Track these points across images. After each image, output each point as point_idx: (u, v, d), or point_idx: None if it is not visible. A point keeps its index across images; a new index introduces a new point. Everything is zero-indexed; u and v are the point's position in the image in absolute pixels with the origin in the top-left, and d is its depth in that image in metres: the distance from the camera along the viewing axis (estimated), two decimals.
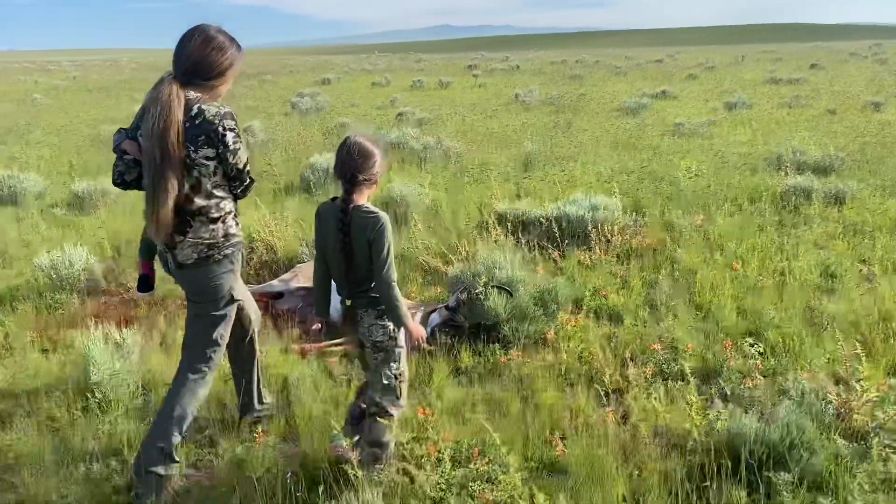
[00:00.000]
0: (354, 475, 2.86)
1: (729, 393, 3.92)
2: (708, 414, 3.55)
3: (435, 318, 4.78)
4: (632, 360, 4.36)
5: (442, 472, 3.08)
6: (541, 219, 6.52)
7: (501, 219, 6.82)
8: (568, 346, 4.54)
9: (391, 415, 3.20)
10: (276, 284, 5.33)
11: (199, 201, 2.99)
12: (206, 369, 3.25)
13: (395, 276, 3.00)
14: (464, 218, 7.09)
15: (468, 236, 6.49)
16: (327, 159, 8.79)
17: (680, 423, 3.56)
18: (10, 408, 3.88)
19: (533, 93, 21.02)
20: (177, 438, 3.16)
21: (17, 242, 6.68)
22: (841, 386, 3.82)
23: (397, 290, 3.02)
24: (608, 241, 6.43)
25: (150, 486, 3.06)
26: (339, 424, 3.06)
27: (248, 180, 3.13)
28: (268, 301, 5.34)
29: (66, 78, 39.23)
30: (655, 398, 3.74)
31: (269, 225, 6.38)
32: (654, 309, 5.17)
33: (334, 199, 3.04)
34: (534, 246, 6.23)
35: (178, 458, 3.20)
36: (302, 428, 3.59)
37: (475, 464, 3.22)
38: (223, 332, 3.25)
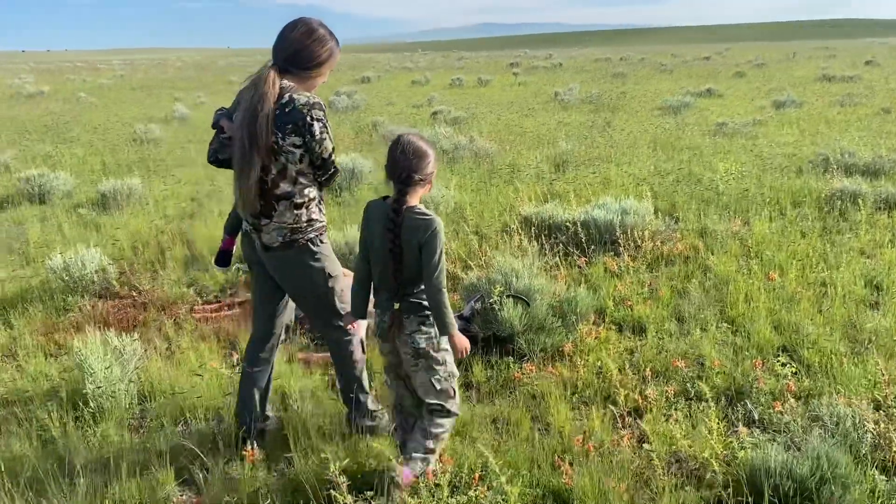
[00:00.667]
0: (343, 501, 2.68)
1: (756, 417, 3.63)
2: (730, 441, 3.27)
3: None
4: (653, 377, 4.10)
5: (438, 499, 2.88)
6: (567, 223, 6.26)
7: (527, 223, 6.59)
8: (586, 360, 4.28)
9: (454, 413, 3.20)
10: None
11: (285, 186, 3.08)
12: (349, 335, 3.45)
13: (444, 281, 2.90)
14: (488, 221, 6.87)
15: (491, 241, 6.27)
16: (353, 159, 8.66)
17: (700, 449, 3.29)
18: (5, 415, 3.79)
19: (573, 91, 20.65)
20: (364, 395, 3.52)
21: (39, 242, 6.68)
22: (882, 412, 3.50)
23: (446, 297, 2.91)
24: (638, 247, 6.14)
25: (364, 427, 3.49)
26: (327, 444, 2.88)
27: (332, 169, 3.19)
28: None
29: (112, 77, 40.09)
30: (675, 421, 3.48)
31: None
32: (681, 321, 4.88)
33: (385, 197, 2.97)
34: (559, 252, 5.98)
35: (373, 406, 3.56)
36: (295, 445, 3.41)
37: (475, 491, 3.00)
38: (342, 304, 3.34)
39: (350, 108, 18.38)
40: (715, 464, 3.06)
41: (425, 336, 2.99)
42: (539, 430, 3.68)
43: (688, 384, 3.98)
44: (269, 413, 3.66)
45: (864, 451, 3.19)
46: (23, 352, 4.49)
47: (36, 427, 3.62)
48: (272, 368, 3.60)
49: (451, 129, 12.26)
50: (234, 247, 3.68)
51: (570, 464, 3.30)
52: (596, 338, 4.55)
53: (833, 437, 3.27)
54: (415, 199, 2.90)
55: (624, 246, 6.09)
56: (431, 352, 3.02)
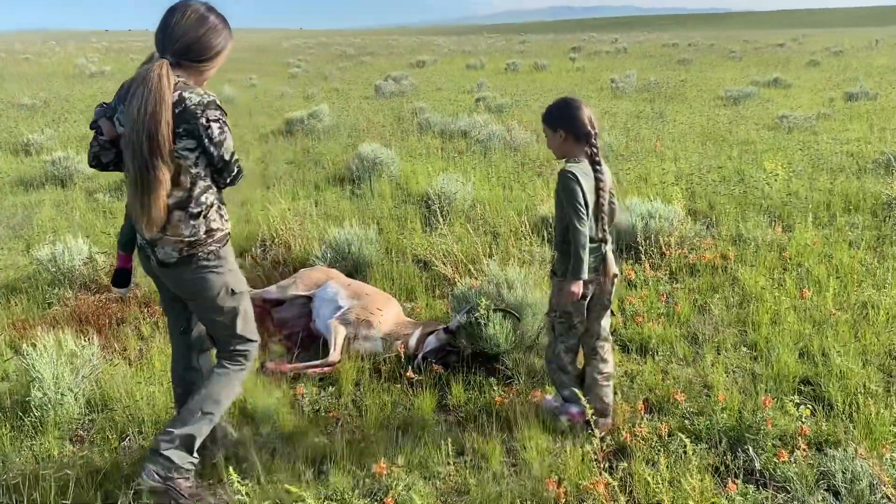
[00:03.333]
0: None
1: (758, 466, 3.15)
2: (717, 500, 2.82)
3: (431, 342, 4.20)
4: (648, 410, 3.66)
5: None
6: None
7: (545, 223, 6.15)
8: None
9: None
10: (273, 291, 4.89)
11: (178, 194, 2.74)
12: (243, 361, 3.06)
13: None
14: (502, 221, 6.44)
15: (502, 244, 5.86)
16: (374, 150, 8.33)
17: (687, 502, 2.85)
18: None
19: (630, 78, 19.82)
20: (203, 429, 2.95)
21: (44, 228, 6.58)
22: None
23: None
24: (662, 254, 5.64)
25: (157, 473, 2.83)
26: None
27: (236, 170, 2.83)
28: (266, 308, 4.93)
29: None
30: (665, 466, 3.04)
31: (287, 221, 5.96)
32: (696, 343, 4.39)
33: (570, 161, 3.25)
34: None
35: (196, 455, 2.95)
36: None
37: None
38: (245, 326, 3.01)
39: (397, 94, 18.05)
40: None
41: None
42: (512, 465, 3.31)
43: (686, 421, 3.52)
44: (233, 434, 3.36)
45: None
46: None
47: None
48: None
49: (489, 118, 11.81)
50: (133, 264, 3.26)
51: None
52: None
53: (842, 501, 2.79)
54: None
55: (646, 253, 5.61)
56: None
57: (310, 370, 4.07)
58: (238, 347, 3.03)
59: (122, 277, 3.29)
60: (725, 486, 2.92)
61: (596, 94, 18.03)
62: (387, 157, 8.15)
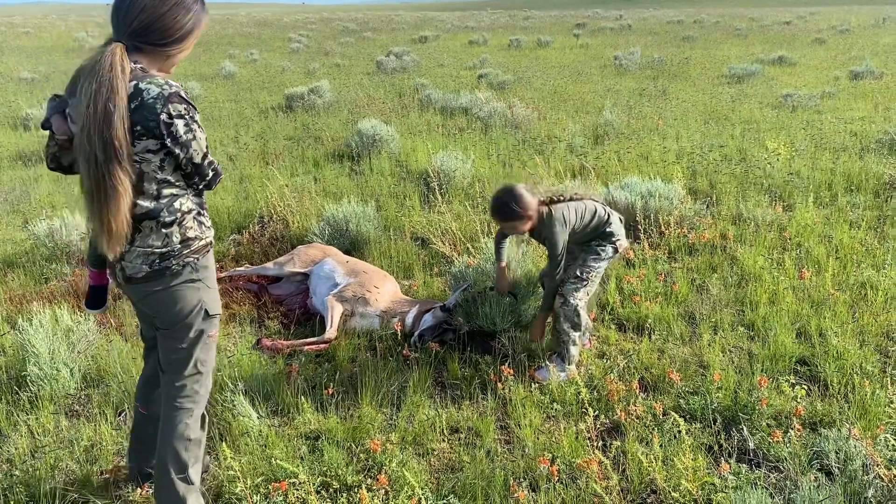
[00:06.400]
0: None
1: (752, 446, 3.15)
2: (709, 479, 2.83)
3: (428, 320, 4.20)
4: (643, 389, 3.66)
5: None
6: None
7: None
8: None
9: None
10: (270, 267, 4.89)
11: (145, 203, 2.34)
12: (192, 404, 2.64)
13: None
14: None
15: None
16: (373, 126, 8.27)
17: (680, 482, 2.85)
18: None
19: (634, 55, 19.62)
20: (187, 484, 2.64)
21: (42, 203, 6.56)
22: None
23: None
24: (661, 233, 5.61)
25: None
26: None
27: (211, 173, 2.43)
28: (263, 284, 4.93)
29: None
30: (658, 445, 3.04)
31: (286, 198, 5.94)
32: (693, 322, 4.38)
33: (555, 212, 3.77)
34: None
35: (195, 481, 2.67)
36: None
37: None
38: (203, 357, 2.62)
39: (399, 70, 17.90)
40: None
41: None
42: (506, 442, 3.31)
43: (681, 400, 3.52)
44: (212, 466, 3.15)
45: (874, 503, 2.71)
46: None
47: None
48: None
49: (491, 95, 11.72)
50: (109, 280, 2.80)
51: (530, 488, 2.94)
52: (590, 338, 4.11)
53: (834, 481, 2.79)
54: None
55: (644, 232, 5.58)
56: None
57: (306, 347, 4.07)
58: (189, 382, 2.62)
59: (96, 297, 2.84)
60: (719, 466, 2.93)
61: (598, 70, 17.86)
62: (387, 134, 8.10)
